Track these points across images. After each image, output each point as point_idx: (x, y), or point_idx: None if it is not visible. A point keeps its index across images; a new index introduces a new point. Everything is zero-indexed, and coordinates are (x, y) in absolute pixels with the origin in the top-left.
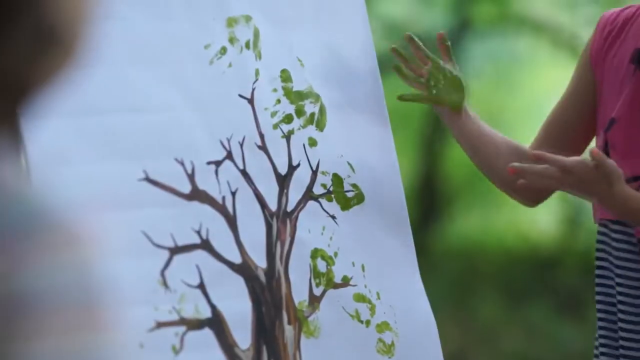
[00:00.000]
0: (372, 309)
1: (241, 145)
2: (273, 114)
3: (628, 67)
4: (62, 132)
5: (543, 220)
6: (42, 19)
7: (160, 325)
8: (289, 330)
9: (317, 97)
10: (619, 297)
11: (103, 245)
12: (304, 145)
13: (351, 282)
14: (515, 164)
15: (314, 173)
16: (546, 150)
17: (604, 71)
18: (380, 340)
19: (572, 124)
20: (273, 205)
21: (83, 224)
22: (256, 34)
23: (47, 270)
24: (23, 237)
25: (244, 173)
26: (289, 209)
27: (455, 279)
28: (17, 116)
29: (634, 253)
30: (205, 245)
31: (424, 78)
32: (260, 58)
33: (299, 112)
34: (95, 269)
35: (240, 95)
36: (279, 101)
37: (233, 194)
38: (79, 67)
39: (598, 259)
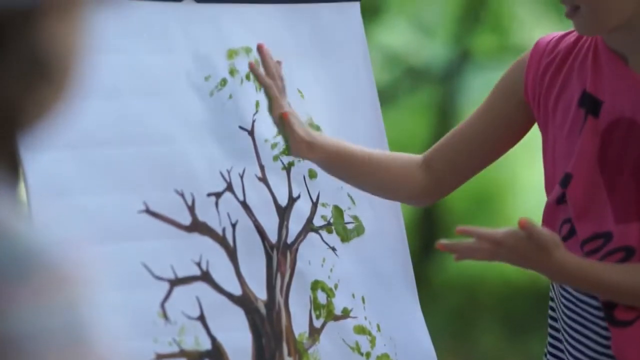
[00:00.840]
0: (373, 341)
1: (241, 177)
2: (273, 146)
3: (577, 111)
4: (63, 164)
5: None
6: (34, 53)
7: (160, 357)
8: None
9: (317, 129)
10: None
11: (93, 285)
12: (304, 177)
13: (351, 314)
14: (444, 241)
15: (314, 205)
16: (440, 156)
17: (547, 111)
18: None
19: (479, 142)
20: (273, 237)
21: (73, 264)
22: (257, 66)
23: (37, 312)
24: (12, 278)
25: (244, 205)
26: (289, 240)
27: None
28: (12, 150)
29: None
30: (206, 277)
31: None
32: (260, 90)
33: None
34: (86, 309)
35: (241, 127)
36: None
37: (233, 225)
38: (72, 99)
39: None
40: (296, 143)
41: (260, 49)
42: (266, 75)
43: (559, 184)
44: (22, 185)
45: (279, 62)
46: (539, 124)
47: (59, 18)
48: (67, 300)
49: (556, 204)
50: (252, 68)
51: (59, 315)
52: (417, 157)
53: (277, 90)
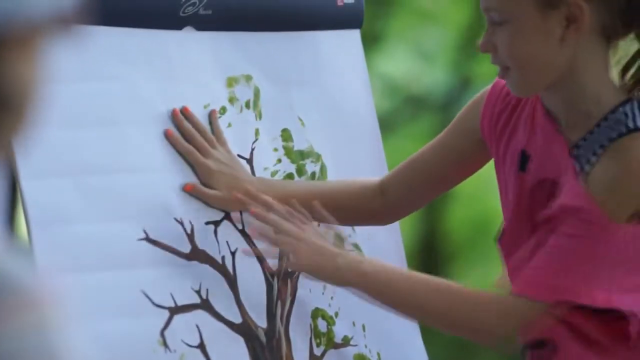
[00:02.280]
0: None
1: None
2: (273, 173)
3: (514, 165)
4: (62, 192)
5: None
6: None
7: None
8: None
9: (317, 157)
10: None
11: (64, 310)
12: None
13: (352, 342)
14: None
15: None
16: (397, 182)
17: (499, 155)
18: None
19: (434, 172)
20: (273, 265)
21: (44, 287)
22: (256, 93)
23: (7, 335)
24: None
25: (243, 233)
26: (290, 269)
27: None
28: None
29: None
30: (205, 305)
31: None
32: (260, 118)
33: (300, 172)
34: (57, 332)
35: (240, 155)
36: (279, 160)
37: (233, 253)
38: (31, 130)
39: None
40: (218, 204)
41: (175, 114)
42: (189, 135)
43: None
44: (21, 214)
45: (213, 111)
46: (495, 162)
47: (19, 50)
48: (37, 323)
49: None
50: (167, 135)
51: (29, 338)
52: (372, 182)
53: (203, 149)
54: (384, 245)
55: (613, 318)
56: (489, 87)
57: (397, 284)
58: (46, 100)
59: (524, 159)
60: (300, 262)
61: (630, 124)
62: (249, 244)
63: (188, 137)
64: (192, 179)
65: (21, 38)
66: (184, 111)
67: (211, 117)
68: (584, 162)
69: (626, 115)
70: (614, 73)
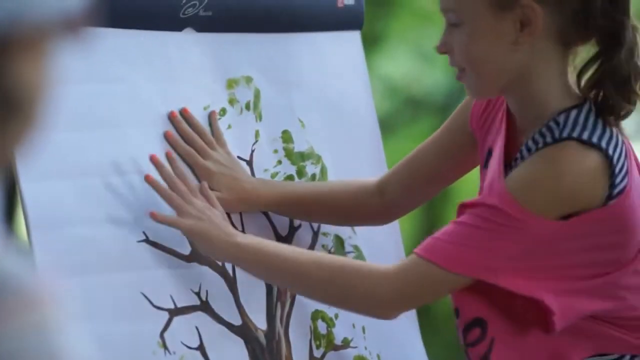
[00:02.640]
0: None
1: None
2: (274, 175)
3: (482, 162)
4: (62, 194)
5: None
6: (1, 88)
7: None
8: None
9: (318, 158)
10: None
11: (64, 308)
12: None
13: (352, 344)
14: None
15: (315, 234)
16: (395, 182)
17: (479, 151)
18: None
19: (431, 169)
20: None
21: (44, 287)
22: (257, 95)
23: (7, 335)
24: None
25: None
26: None
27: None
28: None
29: None
30: (205, 306)
31: None
32: (260, 119)
33: (300, 173)
34: (57, 332)
35: (240, 157)
36: (280, 162)
37: None
38: (38, 133)
39: None
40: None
41: (174, 116)
42: (188, 137)
43: None
44: (21, 216)
45: (212, 113)
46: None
47: (26, 53)
48: (36, 323)
49: None
50: (167, 137)
51: (29, 338)
52: (370, 182)
53: (202, 151)
54: (384, 246)
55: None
56: None
57: (268, 254)
58: (53, 103)
59: (488, 157)
60: (189, 226)
61: (557, 134)
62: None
63: (187, 139)
64: (192, 180)
65: (28, 40)
66: (184, 112)
67: (211, 118)
68: (515, 165)
69: (558, 124)
70: (572, 78)
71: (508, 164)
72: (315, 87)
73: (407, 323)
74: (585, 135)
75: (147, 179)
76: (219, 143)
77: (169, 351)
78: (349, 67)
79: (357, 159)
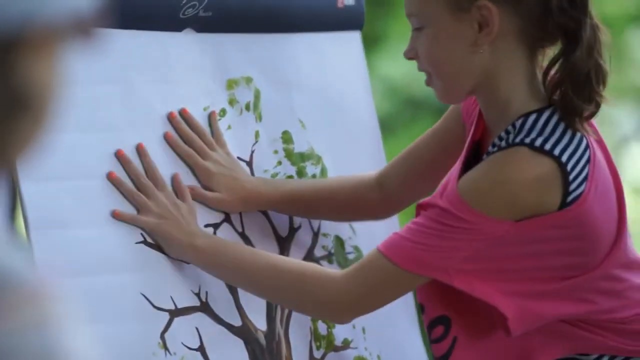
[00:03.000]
0: None
1: None
2: (274, 176)
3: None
4: (61, 196)
5: None
6: (10, 86)
7: None
8: None
9: (318, 159)
10: None
11: (64, 304)
12: None
13: (352, 345)
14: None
15: (315, 235)
16: (393, 175)
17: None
18: None
19: (429, 162)
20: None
21: (44, 284)
22: (257, 95)
23: (7, 331)
24: None
25: (242, 235)
26: None
27: None
28: None
29: None
30: (205, 307)
31: None
32: (260, 120)
33: (300, 174)
34: (57, 328)
35: (240, 158)
36: (280, 163)
37: None
38: (48, 133)
39: None
40: (218, 206)
41: (173, 117)
42: (188, 137)
43: None
44: (20, 217)
45: (212, 113)
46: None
47: (37, 53)
48: (36, 319)
49: None
50: (167, 138)
51: (29, 334)
52: (369, 176)
53: (202, 152)
54: None
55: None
56: None
57: (226, 257)
58: (62, 104)
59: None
60: (150, 225)
61: (510, 139)
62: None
63: (187, 139)
64: (193, 182)
65: (39, 40)
66: (183, 113)
67: (211, 119)
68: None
69: (515, 128)
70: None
71: (477, 162)
72: (316, 87)
73: (407, 324)
74: (537, 142)
75: (110, 177)
76: (218, 144)
77: (169, 352)
78: (349, 67)
79: (357, 159)
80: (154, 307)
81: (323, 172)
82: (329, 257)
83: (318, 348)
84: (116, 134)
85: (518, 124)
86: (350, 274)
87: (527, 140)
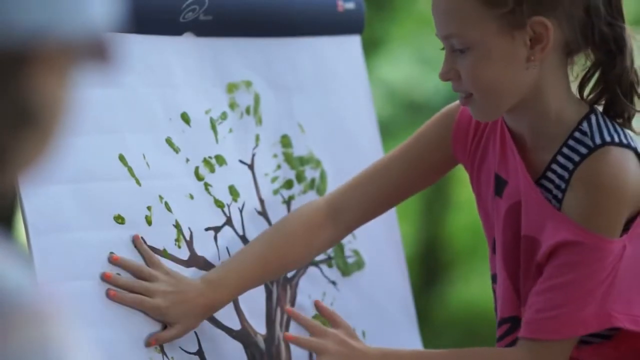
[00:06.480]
0: None
1: (241, 211)
2: (273, 180)
3: (490, 188)
4: (61, 199)
5: None
6: (21, 100)
7: None
8: None
9: (317, 163)
10: None
11: (66, 321)
12: None
13: None
14: (289, 334)
15: None
16: (349, 199)
17: (474, 171)
18: None
19: (395, 184)
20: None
21: (46, 302)
22: (257, 100)
23: (11, 351)
24: None
25: (243, 239)
26: (289, 274)
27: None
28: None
29: None
30: None
31: None
32: (260, 123)
33: (300, 178)
34: (60, 347)
35: (241, 161)
36: (279, 167)
37: None
38: (57, 146)
39: None
40: (183, 334)
41: (107, 277)
42: (128, 287)
43: (492, 250)
44: (20, 221)
45: (136, 237)
46: (470, 180)
47: (48, 67)
48: (39, 339)
49: (493, 253)
50: (111, 297)
51: (31, 354)
52: (319, 206)
53: (146, 292)
54: (384, 250)
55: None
56: (454, 106)
57: None
58: (72, 118)
59: (499, 183)
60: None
61: (590, 143)
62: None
63: (128, 287)
64: (193, 184)
65: (51, 55)
66: (112, 260)
67: (136, 243)
68: (552, 187)
69: (586, 133)
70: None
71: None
72: (315, 91)
73: (408, 328)
74: (616, 138)
75: (110, 296)
76: (154, 266)
77: (166, 356)
78: (349, 71)
79: (356, 163)
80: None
81: (322, 176)
82: (328, 261)
83: None
84: (116, 138)
85: (585, 127)
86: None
87: (608, 138)
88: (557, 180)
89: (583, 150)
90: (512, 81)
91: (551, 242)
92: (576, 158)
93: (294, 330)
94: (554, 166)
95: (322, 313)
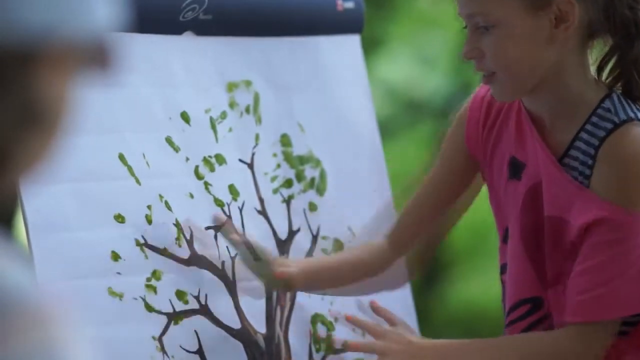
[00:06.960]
0: None
1: (241, 210)
2: (273, 179)
3: (503, 172)
4: (61, 199)
5: None
6: (25, 100)
7: None
8: None
9: (317, 162)
10: None
11: (71, 323)
12: (304, 210)
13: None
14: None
15: (315, 238)
16: (404, 232)
17: (486, 160)
18: None
19: (434, 205)
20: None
21: (49, 304)
22: (256, 99)
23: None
24: None
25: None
26: None
27: None
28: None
29: None
30: (204, 310)
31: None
32: (260, 122)
33: (299, 177)
34: (64, 350)
35: (241, 160)
36: (279, 166)
37: (232, 258)
38: (61, 146)
39: None
40: (275, 285)
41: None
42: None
43: (502, 240)
44: (20, 220)
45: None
46: (481, 171)
47: (53, 68)
48: (42, 342)
49: (504, 242)
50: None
51: (37, 354)
52: (380, 243)
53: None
54: None
55: None
56: (467, 102)
57: (471, 355)
58: (76, 119)
59: (515, 166)
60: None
61: (615, 118)
62: (249, 248)
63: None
64: (193, 183)
65: (57, 56)
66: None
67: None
68: (577, 164)
69: (609, 110)
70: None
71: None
72: (315, 90)
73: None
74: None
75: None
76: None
77: (167, 355)
78: (348, 70)
79: (356, 163)
80: (153, 309)
81: (322, 175)
82: None
83: (317, 350)
84: (117, 137)
85: (608, 105)
86: (577, 336)
87: (632, 115)
88: (582, 157)
89: (608, 125)
90: (536, 59)
91: (582, 220)
92: (601, 134)
93: (294, 329)
94: (578, 143)
95: (378, 313)
